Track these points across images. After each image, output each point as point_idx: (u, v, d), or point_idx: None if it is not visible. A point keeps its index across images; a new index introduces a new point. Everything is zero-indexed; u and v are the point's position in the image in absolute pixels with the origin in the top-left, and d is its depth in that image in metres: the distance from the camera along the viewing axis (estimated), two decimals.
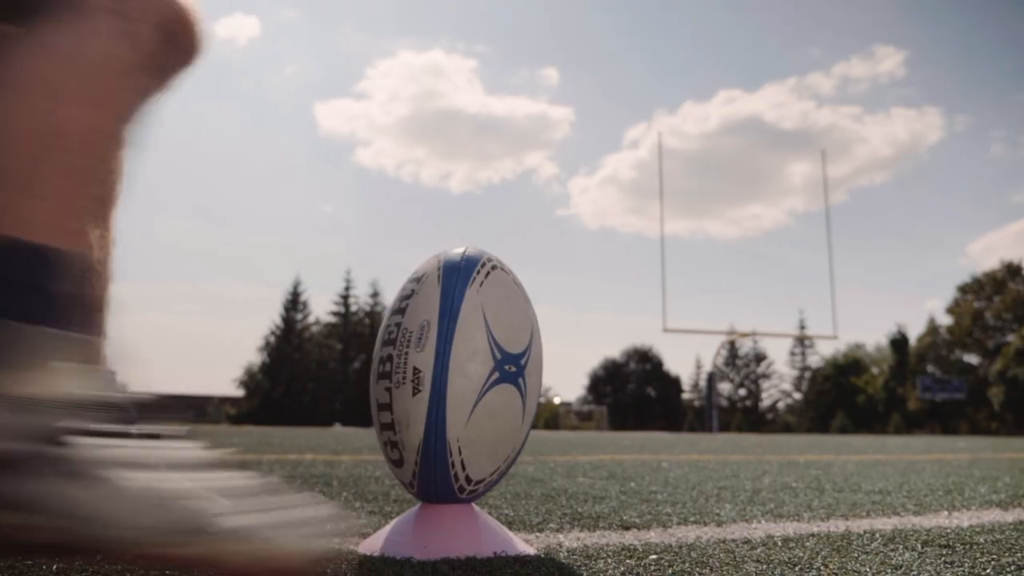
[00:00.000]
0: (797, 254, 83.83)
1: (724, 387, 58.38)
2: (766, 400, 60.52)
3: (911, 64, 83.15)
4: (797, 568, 1.04)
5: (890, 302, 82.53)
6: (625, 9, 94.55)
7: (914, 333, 54.56)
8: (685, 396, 61.83)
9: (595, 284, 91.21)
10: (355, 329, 53.87)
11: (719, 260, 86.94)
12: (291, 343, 50.72)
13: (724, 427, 47.12)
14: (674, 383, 60.76)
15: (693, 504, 1.84)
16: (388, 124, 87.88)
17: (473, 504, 1.21)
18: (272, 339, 50.33)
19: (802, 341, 58.08)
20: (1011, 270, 51.28)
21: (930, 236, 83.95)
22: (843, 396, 53.97)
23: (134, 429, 0.73)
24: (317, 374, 51.73)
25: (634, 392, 59.76)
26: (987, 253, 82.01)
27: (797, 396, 60.00)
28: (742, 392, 60.04)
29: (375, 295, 54.68)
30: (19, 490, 0.65)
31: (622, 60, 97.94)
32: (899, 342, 53.07)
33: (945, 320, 53.66)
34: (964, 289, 52.91)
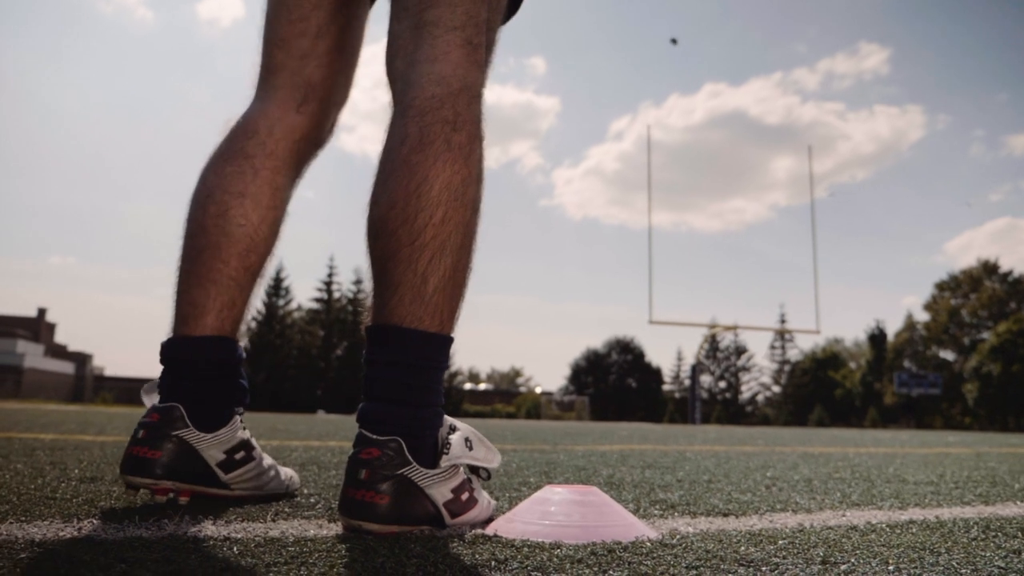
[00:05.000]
0: (779, 248, 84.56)
1: (704, 379, 58.85)
2: (745, 393, 61.13)
3: (895, 62, 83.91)
4: (927, 553, 1.09)
5: (868, 298, 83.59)
6: (613, 1, 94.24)
7: (892, 329, 55.36)
8: (666, 387, 62.26)
9: (577, 275, 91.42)
10: (338, 316, 53.62)
11: (701, 253, 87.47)
12: (273, 329, 50.40)
13: (704, 419, 47.54)
14: (655, 375, 61.14)
15: (762, 492, 1.88)
16: (373, 110, 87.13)
17: (596, 488, 1.24)
18: (253, 325, 49.97)
19: (782, 335, 58.64)
20: (988, 268, 52.11)
21: (909, 233, 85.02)
22: (821, 390, 54.67)
23: None
24: (299, 361, 51.46)
25: (615, 383, 60.07)
26: (964, 251, 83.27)
27: (776, 389, 60.66)
28: (722, 384, 60.57)
29: (358, 282, 54.43)
30: None
31: (609, 51, 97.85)
32: (877, 337, 53.80)
33: (922, 316, 54.47)
34: (942, 286, 53.72)
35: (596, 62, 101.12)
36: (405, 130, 1.23)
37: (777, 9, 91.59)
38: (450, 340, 1.24)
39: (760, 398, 61.28)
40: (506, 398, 58.23)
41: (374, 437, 1.14)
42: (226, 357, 1.35)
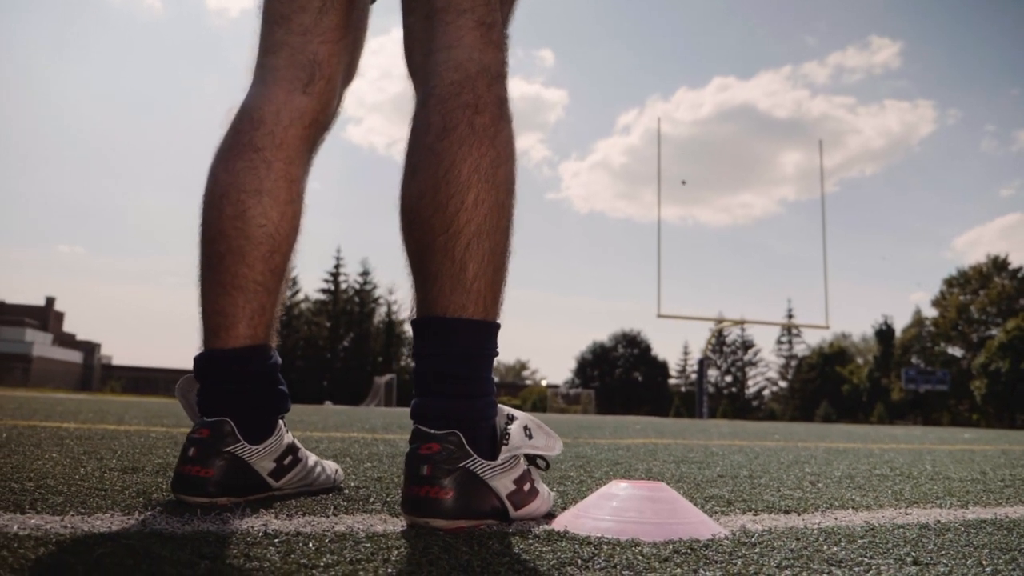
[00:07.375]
0: (787, 243, 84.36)
1: (711, 373, 58.78)
2: (752, 387, 61.04)
3: (906, 56, 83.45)
4: (1020, 554, 1.05)
5: (876, 293, 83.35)
6: None
7: (900, 325, 55.15)
8: (672, 381, 62.21)
9: (584, 268, 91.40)
10: (344, 307, 53.72)
11: (709, 247, 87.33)
12: (279, 320, 50.45)
13: (711, 413, 47.51)
14: (661, 368, 61.09)
15: (809, 488, 1.84)
16: (380, 101, 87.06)
17: (664, 483, 1.21)
18: None
19: (789, 330, 58.52)
20: (997, 264, 51.81)
21: (917, 229, 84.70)
22: (828, 385, 54.52)
23: None
24: (305, 351, 51.60)
25: (621, 377, 60.05)
26: (973, 247, 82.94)
27: (782, 384, 60.55)
28: (728, 379, 60.50)
29: (365, 273, 54.52)
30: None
31: (618, 44, 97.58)
32: (885, 333, 53.59)
33: (931, 312, 54.23)
34: (950, 282, 53.44)
35: (604, 55, 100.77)
36: (428, 119, 1.19)
37: (787, 2, 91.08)
38: (496, 326, 1.20)
39: (766, 393, 61.22)
40: (512, 391, 58.27)
41: (432, 432, 1.11)
42: (263, 366, 1.31)
